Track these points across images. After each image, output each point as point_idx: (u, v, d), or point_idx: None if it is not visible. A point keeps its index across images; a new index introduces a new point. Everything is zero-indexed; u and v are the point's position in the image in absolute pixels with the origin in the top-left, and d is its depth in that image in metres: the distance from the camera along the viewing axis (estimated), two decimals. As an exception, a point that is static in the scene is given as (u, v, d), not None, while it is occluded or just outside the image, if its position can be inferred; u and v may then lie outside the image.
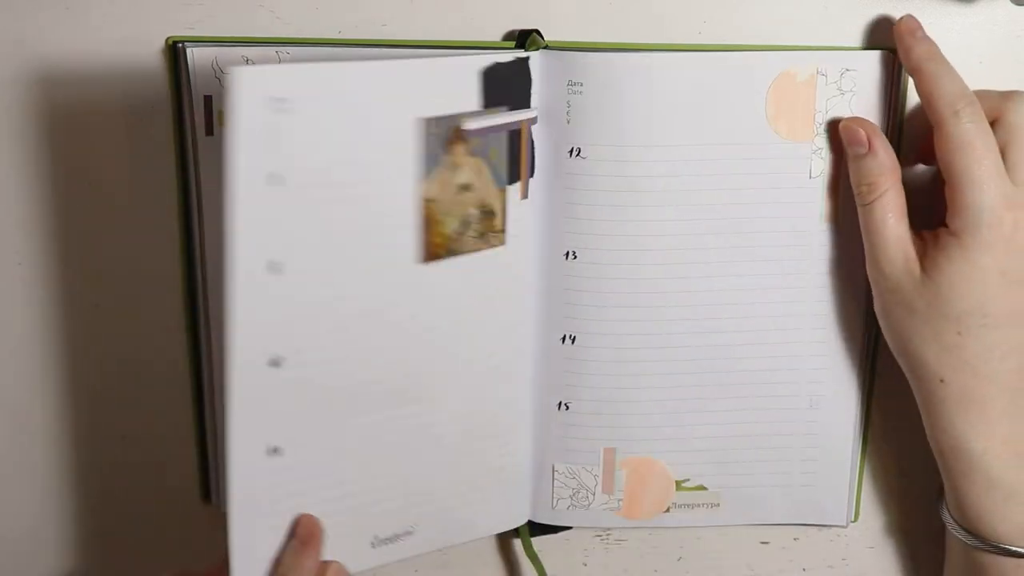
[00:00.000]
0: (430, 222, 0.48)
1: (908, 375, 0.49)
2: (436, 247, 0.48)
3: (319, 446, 0.48)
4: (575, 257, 0.52)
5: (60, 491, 0.57)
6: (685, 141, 0.50)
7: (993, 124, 0.47)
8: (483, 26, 0.51)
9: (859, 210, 0.49)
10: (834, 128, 0.50)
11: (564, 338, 0.53)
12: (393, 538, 0.52)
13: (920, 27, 0.48)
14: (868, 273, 0.49)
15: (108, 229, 0.54)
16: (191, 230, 0.52)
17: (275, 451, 0.46)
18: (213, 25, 0.51)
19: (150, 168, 0.53)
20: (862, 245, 0.50)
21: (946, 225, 0.47)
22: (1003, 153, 0.46)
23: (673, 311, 0.52)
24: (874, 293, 0.49)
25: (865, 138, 0.48)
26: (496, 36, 0.51)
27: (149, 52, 0.51)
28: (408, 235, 0.47)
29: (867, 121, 0.49)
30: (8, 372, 0.55)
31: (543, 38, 0.50)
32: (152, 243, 0.54)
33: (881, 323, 0.50)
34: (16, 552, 0.58)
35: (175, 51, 0.50)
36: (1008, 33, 0.52)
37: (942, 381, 0.47)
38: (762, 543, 0.58)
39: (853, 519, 0.56)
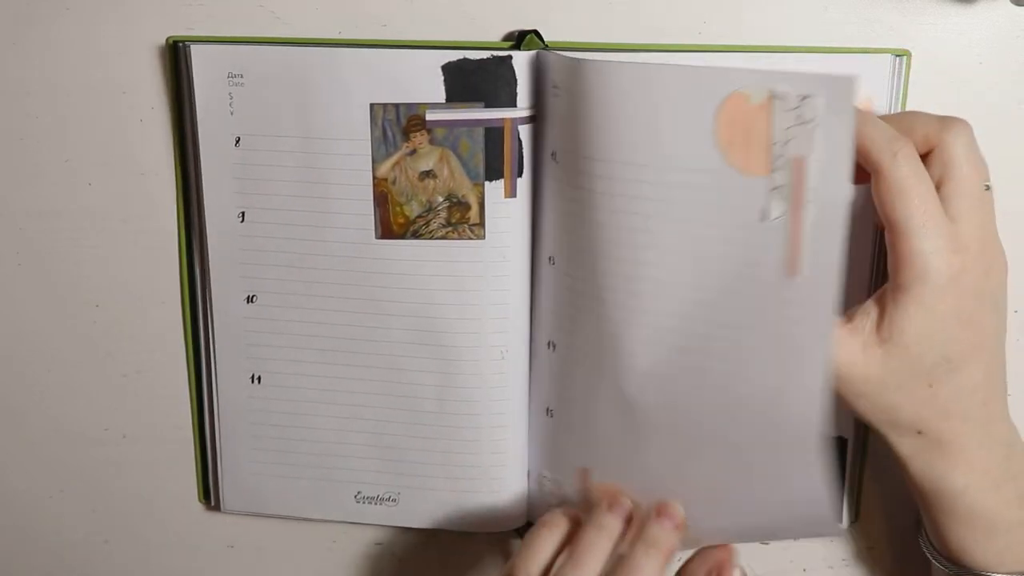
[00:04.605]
0: (387, 201, 0.51)
1: (882, 435, 0.48)
2: (396, 226, 0.51)
3: (294, 382, 0.54)
4: (552, 263, 0.51)
5: (60, 491, 0.57)
6: (641, 159, 0.46)
7: (927, 156, 0.45)
8: (483, 26, 0.51)
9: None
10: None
11: (548, 344, 0.53)
12: (377, 499, 0.55)
13: None
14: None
15: (108, 229, 0.54)
16: (191, 230, 0.52)
17: (256, 380, 0.54)
18: (213, 25, 0.51)
19: (150, 168, 0.53)
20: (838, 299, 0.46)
21: (887, 282, 0.45)
22: (937, 185, 0.45)
23: (641, 332, 0.48)
24: (841, 396, 0.46)
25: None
26: (496, 36, 0.51)
27: (149, 52, 0.51)
28: (366, 208, 0.51)
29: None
30: (8, 372, 0.55)
31: (542, 39, 0.50)
32: (152, 243, 0.54)
33: (850, 408, 0.47)
34: (16, 552, 0.58)
35: (175, 51, 0.50)
36: (1008, 33, 0.52)
37: (920, 433, 0.47)
38: (762, 543, 0.58)
39: (853, 520, 0.56)
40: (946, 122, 0.45)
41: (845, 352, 0.46)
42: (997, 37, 0.52)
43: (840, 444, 0.55)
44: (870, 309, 0.46)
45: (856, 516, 0.56)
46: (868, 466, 0.56)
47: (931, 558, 0.50)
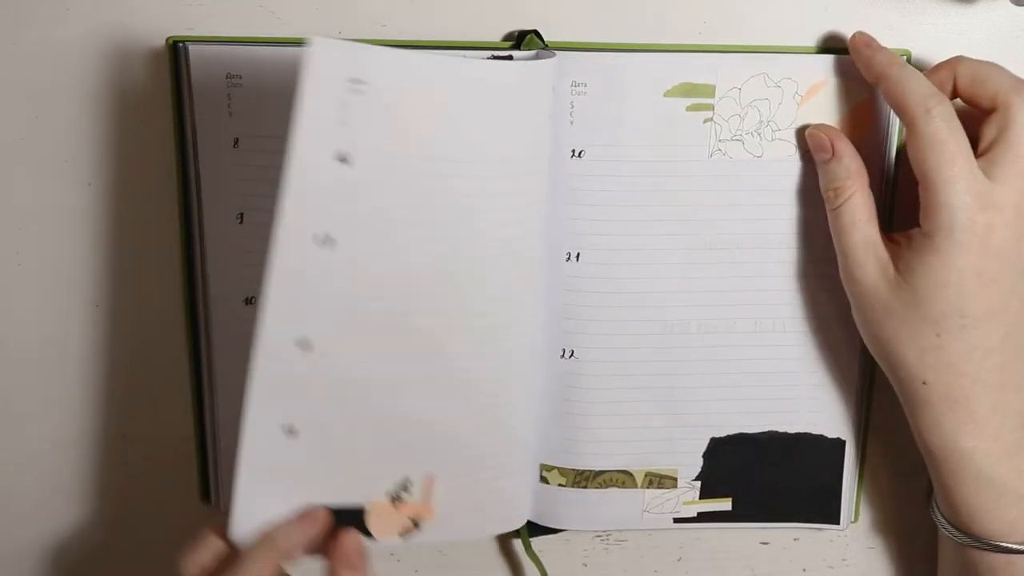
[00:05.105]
0: None
1: (891, 378, 0.49)
2: None
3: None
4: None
5: (60, 491, 0.57)
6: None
7: (991, 111, 0.46)
8: (483, 26, 0.51)
9: (828, 216, 0.49)
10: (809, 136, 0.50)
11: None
12: None
13: (874, 39, 0.49)
14: (842, 279, 0.49)
15: (108, 229, 0.54)
16: (191, 229, 0.52)
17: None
18: (213, 25, 0.51)
19: (150, 168, 0.53)
20: None
21: (919, 226, 0.46)
22: (989, 146, 0.46)
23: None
24: (850, 299, 0.49)
25: (828, 143, 0.49)
26: (496, 36, 0.51)
27: (149, 52, 0.51)
28: None
29: (830, 127, 0.50)
30: (9, 372, 0.55)
31: (542, 39, 0.50)
32: (152, 243, 0.54)
33: (860, 329, 0.49)
34: (17, 552, 0.58)
35: (175, 51, 0.50)
36: (1008, 33, 0.52)
37: (924, 383, 0.47)
38: (762, 543, 0.58)
39: (853, 519, 0.56)
40: (1019, 85, 0.46)
41: (870, 257, 0.47)
42: (997, 37, 0.52)
43: (838, 446, 0.55)
44: (900, 240, 0.47)
45: (856, 516, 0.56)
46: (867, 467, 0.56)
47: (940, 526, 0.50)
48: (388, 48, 0.43)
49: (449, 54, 0.49)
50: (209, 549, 0.47)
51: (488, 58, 0.49)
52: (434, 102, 0.44)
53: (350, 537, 0.48)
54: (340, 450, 0.50)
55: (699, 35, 0.51)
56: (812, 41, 0.51)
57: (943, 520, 0.50)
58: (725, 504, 0.55)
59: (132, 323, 0.55)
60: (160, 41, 0.51)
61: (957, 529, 0.49)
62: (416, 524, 0.51)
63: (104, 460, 0.57)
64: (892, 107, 0.47)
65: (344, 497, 0.51)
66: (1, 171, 0.53)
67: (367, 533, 0.51)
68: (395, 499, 0.51)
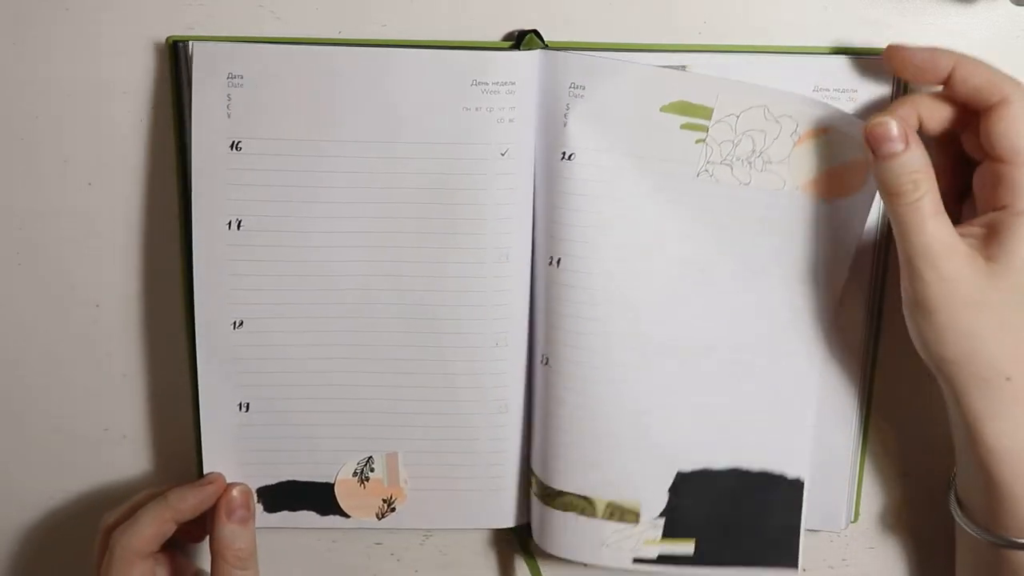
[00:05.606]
0: None
1: (956, 380, 0.45)
2: None
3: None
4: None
5: (60, 491, 0.57)
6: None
7: (998, 104, 0.45)
8: (483, 26, 0.51)
9: (897, 213, 0.45)
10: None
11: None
12: None
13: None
14: (909, 283, 0.45)
15: (108, 229, 0.54)
16: (191, 231, 0.52)
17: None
18: (213, 25, 0.51)
19: (150, 168, 0.53)
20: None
21: (996, 209, 0.45)
22: None
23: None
24: (915, 303, 0.45)
25: (903, 133, 0.45)
26: (496, 36, 0.51)
27: (149, 52, 0.51)
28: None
29: (896, 115, 0.46)
30: (8, 372, 0.56)
31: (542, 39, 0.50)
32: (152, 243, 0.54)
33: (925, 333, 0.45)
34: (16, 552, 0.58)
35: (175, 51, 0.50)
36: (1008, 33, 0.52)
37: (1008, 379, 0.44)
38: (762, 543, 0.58)
39: (853, 520, 0.56)
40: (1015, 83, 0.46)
41: (955, 250, 0.44)
42: (997, 37, 0.52)
43: (797, 487, 0.53)
44: (975, 229, 0.45)
45: (856, 516, 0.56)
46: (867, 467, 0.56)
47: (965, 527, 0.48)
48: (257, 44, 0.49)
49: (426, 52, 0.49)
50: (126, 506, 0.52)
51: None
52: (308, 90, 0.49)
53: (237, 487, 0.52)
54: (297, 425, 0.53)
55: (699, 35, 0.51)
56: (812, 41, 0.51)
57: (965, 519, 0.48)
58: (688, 546, 0.53)
59: (132, 323, 0.55)
60: (160, 41, 0.51)
61: (985, 529, 0.47)
62: (391, 507, 0.54)
63: (104, 460, 0.57)
64: (973, 92, 0.45)
65: (309, 472, 0.54)
66: (1, 171, 0.53)
67: (342, 512, 0.54)
68: (362, 478, 0.54)
